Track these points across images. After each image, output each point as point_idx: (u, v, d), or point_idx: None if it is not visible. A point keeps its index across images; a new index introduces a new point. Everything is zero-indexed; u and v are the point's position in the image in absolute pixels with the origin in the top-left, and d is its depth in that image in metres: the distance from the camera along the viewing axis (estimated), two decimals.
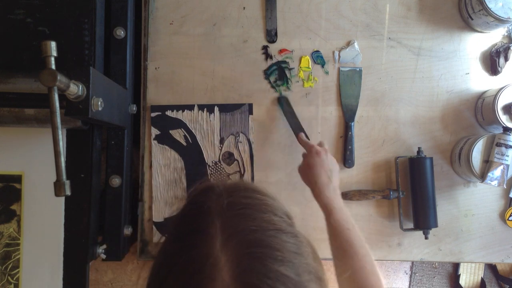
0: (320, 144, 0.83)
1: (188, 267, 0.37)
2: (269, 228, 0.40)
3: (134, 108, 0.92)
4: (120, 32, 0.87)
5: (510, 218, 0.94)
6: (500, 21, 0.86)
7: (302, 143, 0.85)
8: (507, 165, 0.84)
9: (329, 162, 0.78)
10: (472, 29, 0.95)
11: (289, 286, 0.36)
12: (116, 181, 0.88)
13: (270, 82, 0.94)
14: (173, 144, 0.93)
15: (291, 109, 0.93)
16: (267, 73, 0.94)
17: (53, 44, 0.56)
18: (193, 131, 0.93)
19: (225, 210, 0.40)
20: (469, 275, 1.64)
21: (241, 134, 0.94)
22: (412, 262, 1.66)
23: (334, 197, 0.74)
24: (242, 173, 0.94)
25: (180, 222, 0.43)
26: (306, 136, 0.88)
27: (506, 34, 0.95)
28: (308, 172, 0.78)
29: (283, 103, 0.93)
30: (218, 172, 0.94)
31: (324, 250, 0.94)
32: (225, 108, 0.94)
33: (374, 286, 0.65)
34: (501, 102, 0.87)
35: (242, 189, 0.45)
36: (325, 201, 0.74)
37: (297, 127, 0.90)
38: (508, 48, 0.93)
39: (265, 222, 0.40)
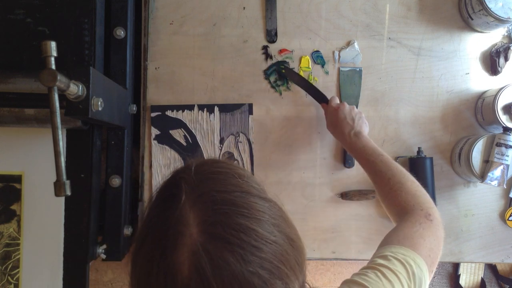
0: (333, 99, 0.88)
1: (162, 227, 0.41)
2: (235, 190, 0.43)
3: (134, 108, 0.91)
4: (120, 32, 0.87)
5: (510, 218, 0.94)
6: (500, 21, 0.86)
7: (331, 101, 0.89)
8: (507, 165, 0.84)
9: (348, 112, 0.84)
10: (472, 29, 0.95)
11: (255, 239, 0.39)
12: (116, 181, 0.88)
13: (270, 82, 0.94)
14: (173, 144, 0.93)
15: (299, 76, 0.93)
16: (267, 73, 0.94)
17: (53, 44, 0.56)
18: (193, 131, 0.93)
19: (194, 177, 0.43)
20: (469, 275, 1.64)
21: (241, 134, 0.94)
22: None
23: (356, 140, 0.80)
24: None
25: (158, 192, 0.47)
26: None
27: (506, 34, 0.95)
28: (334, 130, 0.86)
29: (288, 71, 0.93)
30: None
31: (324, 250, 0.95)
32: (225, 108, 0.94)
33: (402, 205, 0.67)
34: (501, 102, 0.87)
35: (210, 161, 0.49)
36: (350, 146, 0.80)
37: (320, 97, 0.92)
38: (508, 48, 0.93)
39: (232, 185, 0.43)
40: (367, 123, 0.85)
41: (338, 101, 0.88)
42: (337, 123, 0.84)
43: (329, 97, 0.90)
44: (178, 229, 0.39)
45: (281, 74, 0.94)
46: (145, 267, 0.41)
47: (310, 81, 0.93)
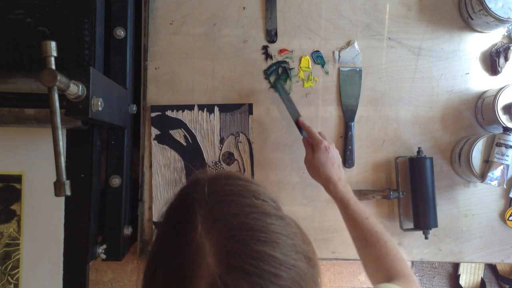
0: (323, 136, 0.84)
1: (175, 256, 0.39)
2: (251, 211, 0.41)
3: (134, 108, 0.92)
4: (120, 32, 0.87)
5: (510, 218, 0.94)
6: (500, 21, 0.86)
7: (308, 131, 0.85)
8: (507, 165, 0.84)
9: (337, 157, 0.81)
10: (472, 29, 0.95)
11: (274, 266, 0.37)
12: (116, 181, 0.88)
13: (270, 82, 0.94)
14: (173, 144, 0.93)
15: (287, 94, 0.92)
16: (267, 73, 0.94)
17: (53, 44, 0.56)
18: (193, 131, 0.93)
19: (207, 199, 0.41)
20: (469, 275, 1.64)
21: (241, 134, 0.94)
22: (412, 262, 1.66)
23: (348, 191, 0.77)
24: (242, 173, 0.94)
25: (167, 215, 0.45)
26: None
27: (506, 34, 0.95)
28: (319, 169, 0.80)
29: (278, 87, 0.92)
30: None
31: (324, 250, 0.95)
32: (225, 108, 0.94)
33: (400, 271, 0.66)
34: (501, 102, 0.87)
35: (223, 178, 0.46)
36: (340, 195, 0.77)
37: (295, 112, 0.90)
38: (508, 48, 0.93)
39: (247, 206, 0.41)
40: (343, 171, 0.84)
41: (327, 138, 0.84)
42: (325, 164, 0.80)
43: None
44: (194, 259, 0.37)
45: (277, 90, 0.93)
46: None
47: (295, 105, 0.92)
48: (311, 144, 0.83)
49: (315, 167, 0.81)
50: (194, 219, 0.40)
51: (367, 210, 0.74)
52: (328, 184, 0.79)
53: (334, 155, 0.80)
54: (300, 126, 0.88)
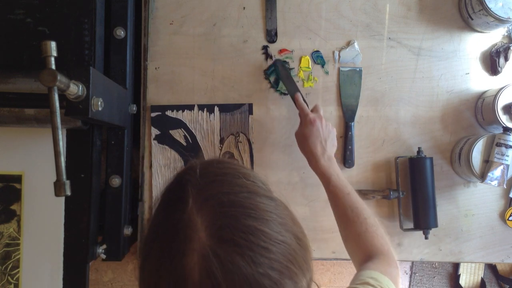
0: (316, 109, 0.84)
1: (169, 232, 0.40)
2: (242, 190, 0.43)
3: (134, 108, 0.92)
4: (120, 32, 0.87)
5: (510, 218, 0.94)
6: (500, 21, 0.86)
7: (298, 106, 0.85)
8: (507, 165, 0.84)
9: (324, 130, 0.80)
10: (472, 29, 0.95)
11: (264, 240, 0.38)
12: (116, 181, 0.88)
13: (270, 82, 0.94)
14: (173, 144, 0.93)
15: (287, 72, 0.92)
16: (267, 73, 0.94)
17: (53, 44, 0.56)
18: (193, 131, 0.93)
19: (199, 179, 0.43)
20: (469, 275, 1.64)
21: (241, 134, 0.94)
22: (412, 262, 1.66)
23: (330, 165, 0.77)
24: None
25: (162, 197, 0.46)
26: (304, 99, 0.87)
27: (506, 34, 0.95)
28: (304, 142, 0.81)
29: (278, 66, 0.92)
30: None
31: (324, 250, 0.94)
32: (225, 108, 0.94)
33: (379, 248, 0.67)
34: (501, 102, 0.87)
35: (215, 162, 0.48)
36: (321, 170, 0.77)
37: (293, 89, 0.89)
38: (508, 48, 0.93)
39: (238, 186, 0.43)
40: (336, 144, 0.83)
41: (320, 112, 0.83)
42: (309, 137, 0.80)
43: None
44: (187, 233, 0.39)
45: (274, 68, 0.92)
46: (154, 273, 0.40)
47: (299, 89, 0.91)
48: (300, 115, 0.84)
49: (300, 140, 0.82)
50: (186, 198, 0.41)
51: (348, 186, 0.75)
52: (310, 157, 0.79)
53: (320, 129, 0.80)
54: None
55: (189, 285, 0.37)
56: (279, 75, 0.92)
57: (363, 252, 0.68)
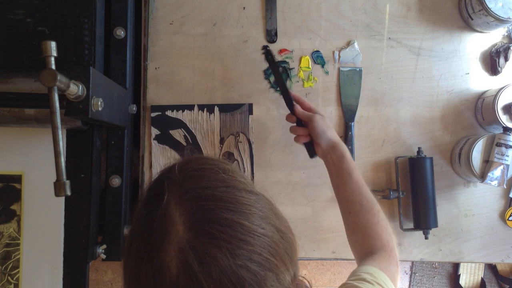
0: (314, 110, 0.82)
1: (148, 227, 0.41)
2: (220, 185, 0.43)
3: (134, 108, 0.91)
4: (120, 32, 0.87)
5: (510, 218, 0.94)
6: (500, 21, 0.86)
7: (301, 115, 0.81)
8: (507, 165, 0.84)
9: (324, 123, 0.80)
10: (472, 29, 0.95)
11: (242, 232, 0.39)
12: (116, 181, 0.88)
13: (270, 82, 0.94)
14: (173, 144, 0.93)
15: (277, 66, 0.88)
16: (267, 73, 0.94)
17: (53, 44, 0.56)
18: (193, 131, 0.93)
19: (178, 176, 0.44)
20: (469, 275, 1.64)
21: (241, 134, 0.94)
22: (412, 262, 1.66)
23: (340, 153, 0.77)
24: (243, 173, 0.94)
25: (144, 194, 0.47)
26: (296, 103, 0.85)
27: (506, 34, 0.95)
28: (327, 130, 0.78)
29: (270, 58, 0.87)
30: None
31: (324, 250, 0.95)
32: (225, 108, 0.94)
33: (385, 243, 0.67)
34: (501, 102, 0.87)
35: (194, 158, 0.49)
36: (349, 156, 0.76)
37: (289, 102, 0.83)
38: (508, 48, 0.93)
39: (216, 181, 0.43)
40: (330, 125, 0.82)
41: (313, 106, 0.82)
42: (328, 128, 0.79)
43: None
44: (164, 227, 0.39)
45: (268, 59, 0.89)
46: (134, 267, 0.41)
47: (289, 87, 0.88)
48: (305, 120, 0.81)
49: (322, 129, 0.78)
50: (164, 193, 0.42)
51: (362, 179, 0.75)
52: (335, 142, 0.77)
53: (325, 119, 0.80)
54: (289, 101, 0.83)
55: (167, 278, 0.37)
56: (272, 68, 0.89)
57: (368, 244, 0.67)
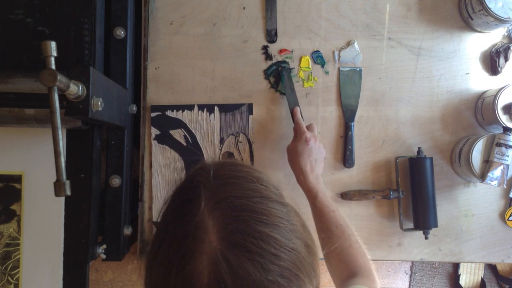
0: (311, 128, 0.85)
1: (180, 232, 0.40)
2: (254, 195, 0.42)
3: (134, 108, 0.92)
4: (120, 32, 0.87)
5: (510, 218, 0.94)
6: (500, 21, 0.86)
7: (296, 122, 0.87)
8: (507, 165, 0.84)
9: (316, 151, 0.82)
10: (472, 29, 0.95)
11: (275, 246, 0.38)
12: (116, 181, 0.88)
13: (270, 82, 0.94)
14: (173, 144, 0.93)
15: (291, 83, 0.93)
16: (267, 73, 0.94)
17: (53, 44, 0.56)
18: (193, 131, 0.93)
19: (212, 181, 0.43)
20: (469, 275, 1.64)
21: (241, 134, 0.94)
22: (412, 262, 1.66)
23: (317, 183, 0.80)
24: None
25: (173, 197, 0.46)
26: (301, 115, 0.89)
27: (506, 34, 0.95)
28: (295, 158, 0.82)
29: (285, 75, 0.92)
30: None
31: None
32: (225, 108, 0.94)
33: (362, 265, 0.67)
34: (501, 102, 0.87)
35: (228, 164, 0.48)
36: (309, 186, 0.79)
37: (293, 102, 0.91)
38: (508, 48, 0.93)
39: (251, 190, 0.43)
40: (323, 166, 0.85)
41: (315, 132, 0.85)
42: (301, 154, 0.81)
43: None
44: (197, 235, 0.38)
45: (279, 75, 0.93)
46: (162, 273, 0.40)
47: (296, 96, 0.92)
48: (297, 131, 0.86)
49: (292, 156, 0.84)
50: (198, 199, 0.41)
51: (334, 204, 0.77)
52: (300, 174, 0.81)
53: (313, 148, 0.82)
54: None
55: (197, 287, 0.37)
56: (283, 83, 0.93)
57: (346, 268, 0.68)
